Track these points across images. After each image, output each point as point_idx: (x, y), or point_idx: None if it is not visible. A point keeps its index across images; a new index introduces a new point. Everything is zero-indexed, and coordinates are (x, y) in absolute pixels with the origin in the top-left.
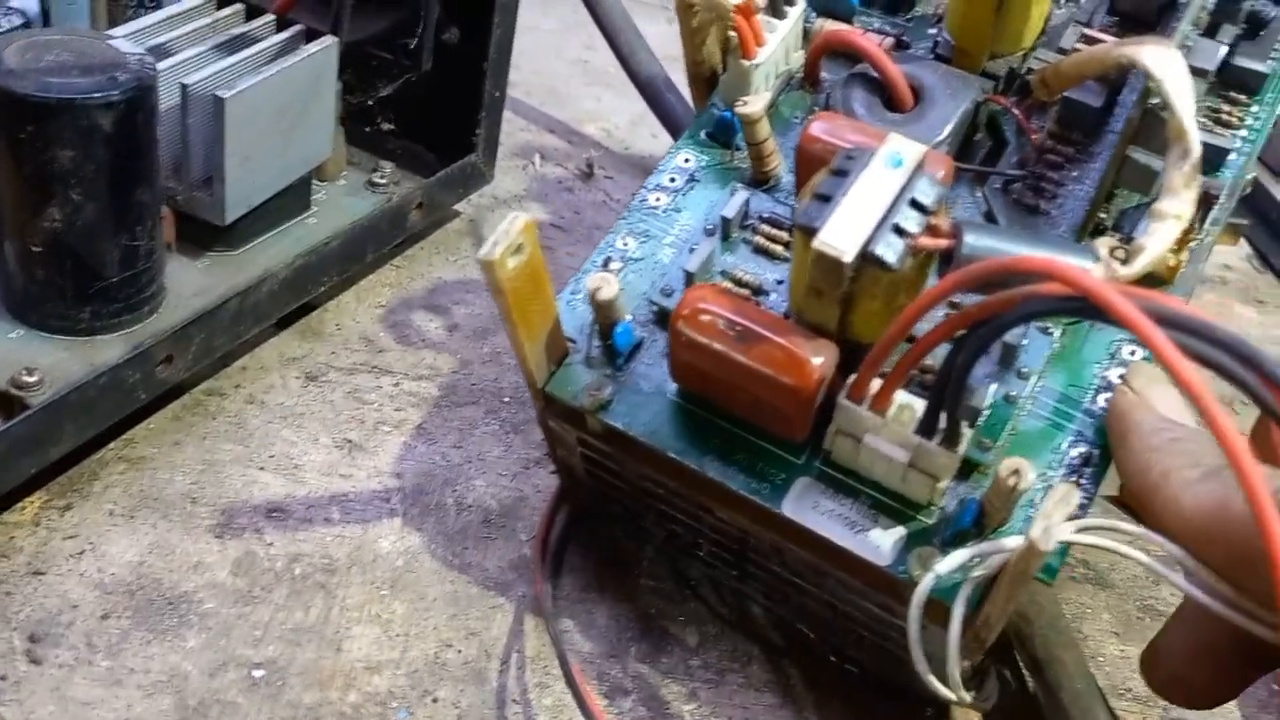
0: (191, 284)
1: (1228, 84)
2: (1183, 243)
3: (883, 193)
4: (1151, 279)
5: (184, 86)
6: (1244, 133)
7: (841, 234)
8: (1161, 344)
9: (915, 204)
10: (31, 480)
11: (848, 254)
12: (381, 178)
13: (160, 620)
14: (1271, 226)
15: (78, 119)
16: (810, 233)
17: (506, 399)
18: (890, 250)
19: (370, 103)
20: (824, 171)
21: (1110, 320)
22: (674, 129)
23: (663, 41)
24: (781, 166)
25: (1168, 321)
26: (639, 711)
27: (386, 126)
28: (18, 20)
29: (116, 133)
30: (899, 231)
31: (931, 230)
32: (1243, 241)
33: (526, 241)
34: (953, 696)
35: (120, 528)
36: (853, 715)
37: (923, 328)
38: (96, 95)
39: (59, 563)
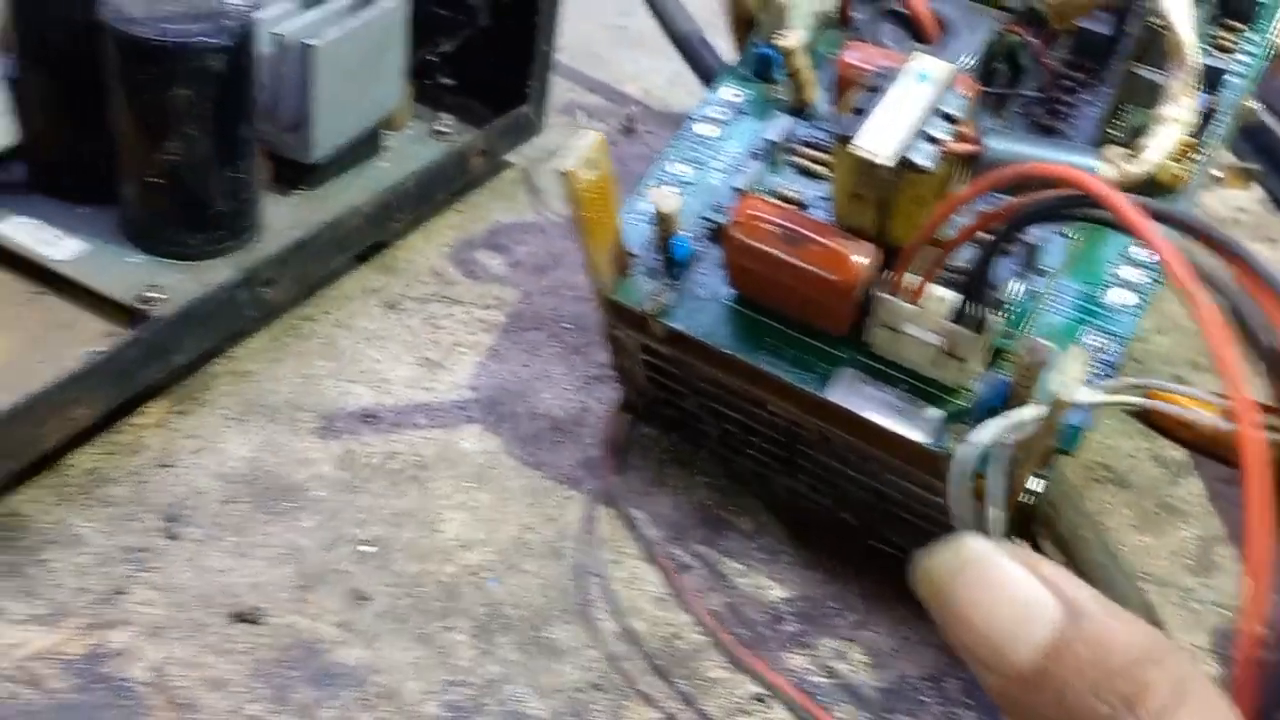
0: (285, 218)
1: (1227, 13)
2: (1186, 154)
3: (913, 105)
4: (1160, 189)
5: (277, 36)
6: (1242, 57)
7: (877, 140)
8: (1151, 233)
9: (944, 115)
10: (153, 390)
11: (881, 156)
12: (444, 128)
13: (276, 504)
14: None
15: (192, 61)
16: (847, 141)
17: (567, 325)
18: (922, 155)
19: (431, 58)
20: (858, 89)
21: (1110, 219)
22: (710, 81)
23: (697, 8)
24: (819, 96)
25: (1159, 216)
26: (701, 583)
27: (447, 82)
28: None
29: (225, 73)
30: (929, 139)
31: (959, 137)
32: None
33: (599, 156)
34: None
35: (234, 429)
36: (891, 589)
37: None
38: (209, 40)
39: (183, 458)
